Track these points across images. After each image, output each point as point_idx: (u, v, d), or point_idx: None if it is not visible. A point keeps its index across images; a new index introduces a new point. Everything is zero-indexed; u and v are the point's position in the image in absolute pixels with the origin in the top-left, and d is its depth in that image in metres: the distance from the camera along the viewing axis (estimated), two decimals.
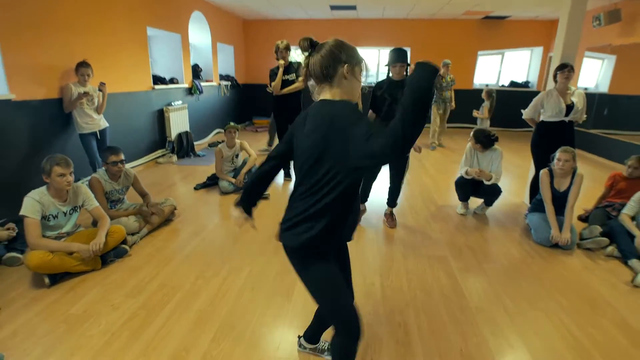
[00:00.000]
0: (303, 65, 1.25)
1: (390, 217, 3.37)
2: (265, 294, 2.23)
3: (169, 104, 5.51)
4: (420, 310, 2.15)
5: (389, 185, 3.33)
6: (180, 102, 5.75)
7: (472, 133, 3.52)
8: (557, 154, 3.10)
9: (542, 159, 3.58)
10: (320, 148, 1.13)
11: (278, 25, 8.80)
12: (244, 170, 4.04)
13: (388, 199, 3.36)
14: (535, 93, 8.74)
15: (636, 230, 2.85)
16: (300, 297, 2.20)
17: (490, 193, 3.49)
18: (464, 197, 3.67)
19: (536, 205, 3.28)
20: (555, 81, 3.43)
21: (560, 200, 3.10)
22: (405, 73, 3.01)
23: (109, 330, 1.88)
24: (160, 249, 2.77)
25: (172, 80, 5.74)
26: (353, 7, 7.17)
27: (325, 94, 1.21)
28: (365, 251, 2.85)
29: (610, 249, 2.88)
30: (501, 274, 2.57)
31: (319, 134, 1.14)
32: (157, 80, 5.42)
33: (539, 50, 8.47)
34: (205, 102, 6.86)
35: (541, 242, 3.04)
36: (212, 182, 4.24)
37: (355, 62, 1.21)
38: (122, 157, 2.79)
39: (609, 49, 6.46)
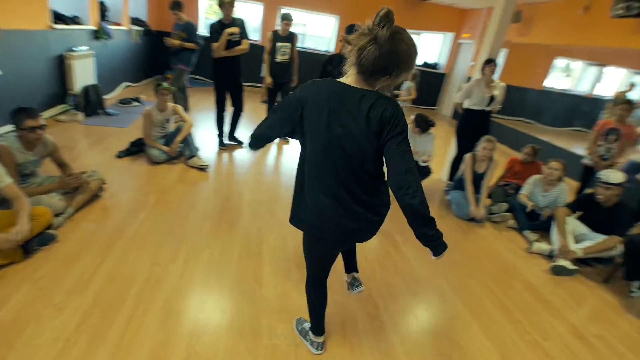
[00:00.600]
0: (362, 38, 1.16)
1: None
2: (233, 280, 2.18)
3: (71, 49, 4.55)
4: (381, 283, 2.38)
5: None
6: (85, 47, 4.79)
7: (413, 117, 3.80)
8: (482, 142, 3.57)
9: (464, 142, 4.10)
10: (370, 143, 1.19)
11: None
12: (179, 138, 3.67)
13: None
14: (441, 75, 9.92)
15: (529, 203, 3.53)
16: (270, 280, 2.21)
17: (422, 173, 3.88)
18: None
19: (458, 183, 3.78)
20: (483, 73, 3.86)
21: (477, 181, 3.63)
22: None
23: (60, 337, 1.61)
24: (94, 232, 2.41)
25: (74, 20, 4.71)
26: None
27: (358, 80, 1.21)
28: None
29: (511, 222, 3.54)
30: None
31: (372, 127, 1.17)
32: (57, 17, 4.40)
33: (450, 36, 9.26)
34: (114, 49, 5.84)
35: (461, 216, 3.55)
36: (137, 149, 3.76)
37: (403, 72, 1.19)
38: (41, 121, 2.28)
39: (507, 44, 7.44)
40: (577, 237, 3.06)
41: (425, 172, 3.88)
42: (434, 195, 4.10)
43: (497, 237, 3.32)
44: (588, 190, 3.29)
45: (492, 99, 3.84)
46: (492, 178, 3.65)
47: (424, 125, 3.75)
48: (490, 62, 3.77)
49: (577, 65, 9.76)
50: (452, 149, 4.43)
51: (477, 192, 3.59)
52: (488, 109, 3.92)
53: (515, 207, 3.58)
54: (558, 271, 2.83)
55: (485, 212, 3.52)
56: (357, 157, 1.23)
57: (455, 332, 2.06)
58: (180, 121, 3.82)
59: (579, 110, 8.98)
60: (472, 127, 4.00)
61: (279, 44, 4.51)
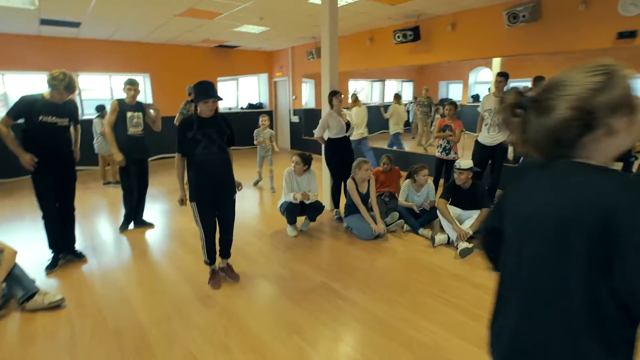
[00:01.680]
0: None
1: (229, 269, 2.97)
2: None
3: None
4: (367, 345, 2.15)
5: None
6: None
7: (295, 157, 3.73)
8: (360, 165, 3.79)
9: (336, 170, 4.31)
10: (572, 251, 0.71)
11: None
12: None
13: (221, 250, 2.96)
14: (268, 112, 10.44)
15: (412, 204, 3.98)
16: None
17: (314, 210, 3.84)
18: (293, 220, 3.85)
19: (348, 209, 3.92)
20: (332, 105, 4.16)
21: (364, 201, 3.86)
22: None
23: None
24: None
25: None
26: (75, 25, 5.71)
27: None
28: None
29: (405, 226, 3.90)
30: (372, 279, 2.94)
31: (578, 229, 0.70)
32: None
33: (264, 76, 9.84)
34: None
35: (365, 237, 3.68)
36: None
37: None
38: None
39: (314, 76, 8.43)
40: (456, 218, 3.62)
41: (319, 207, 3.86)
42: (328, 225, 4.13)
43: (404, 245, 3.57)
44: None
45: (348, 125, 4.19)
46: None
47: (308, 162, 3.75)
48: (336, 93, 4.11)
49: (363, 84, 12.06)
50: (324, 179, 4.59)
51: (368, 210, 3.81)
52: (347, 134, 4.25)
53: (401, 213, 3.96)
54: (465, 253, 3.25)
55: (384, 226, 3.76)
56: None
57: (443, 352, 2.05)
58: None
59: (379, 117, 10.98)
60: (339, 154, 4.25)
61: (129, 114, 3.77)
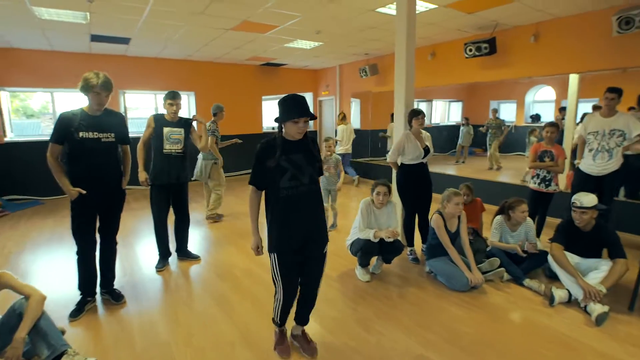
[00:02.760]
0: None
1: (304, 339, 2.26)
2: None
3: None
4: None
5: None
6: None
7: (380, 187, 3.12)
8: (451, 197, 3.12)
9: (409, 201, 3.65)
10: None
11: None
12: (22, 333, 1.97)
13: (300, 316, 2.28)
14: (313, 133, 10.01)
15: (512, 246, 3.23)
16: None
17: (394, 250, 3.18)
18: (368, 262, 3.21)
19: (433, 250, 3.22)
20: (410, 126, 3.56)
21: (453, 241, 3.16)
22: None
23: None
24: None
25: None
26: (125, 41, 5.53)
27: None
28: None
29: (505, 275, 3.14)
30: (487, 353, 2.21)
31: None
32: None
33: (309, 95, 9.46)
34: None
35: (458, 288, 2.96)
36: None
37: None
38: None
39: (369, 94, 7.91)
40: None
41: (400, 247, 3.19)
42: (403, 268, 3.45)
43: (511, 302, 2.82)
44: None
45: (427, 150, 3.55)
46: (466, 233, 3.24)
47: (389, 191, 3.14)
48: (418, 114, 3.51)
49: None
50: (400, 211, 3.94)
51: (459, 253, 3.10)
52: (424, 160, 3.61)
53: (501, 259, 3.21)
54: (602, 319, 2.47)
55: (481, 274, 3.03)
56: None
57: None
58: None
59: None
60: (414, 182, 3.61)
61: (166, 129, 3.35)
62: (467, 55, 5.25)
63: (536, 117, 11.30)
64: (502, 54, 5.09)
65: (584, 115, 6.43)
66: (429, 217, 3.45)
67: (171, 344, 2.29)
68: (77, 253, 2.64)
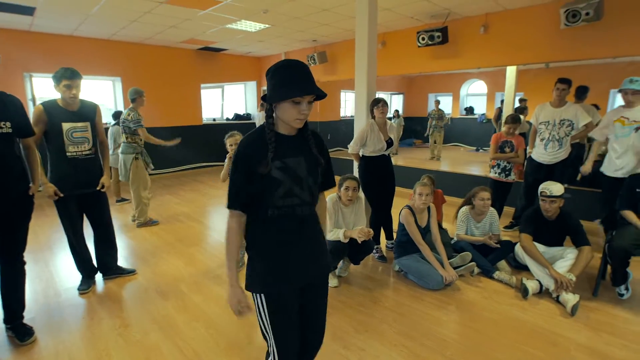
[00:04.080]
0: None
1: None
2: None
3: None
4: None
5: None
6: None
7: (348, 181, 2.80)
8: (418, 188, 2.96)
9: (373, 196, 3.43)
10: None
11: None
12: None
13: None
14: (254, 125, 9.41)
15: (482, 239, 3.16)
16: None
17: (365, 251, 2.91)
18: (336, 265, 2.92)
19: (402, 248, 3.03)
20: (373, 116, 3.31)
21: (424, 236, 2.99)
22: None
23: None
24: None
25: None
26: (28, 10, 4.51)
27: None
28: None
29: (476, 269, 3.05)
30: (455, 352, 2.04)
31: None
32: None
33: (252, 84, 8.87)
34: None
35: (432, 287, 2.80)
36: None
37: None
38: None
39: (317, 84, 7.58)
40: None
41: (371, 247, 2.93)
42: (370, 268, 3.22)
43: (486, 297, 2.71)
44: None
45: (389, 143, 3.33)
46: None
47: (359, 186, 2.86)
48: (378, 102, 3.26)
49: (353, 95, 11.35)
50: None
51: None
52: (387, 153, 3.39)
53: (471, 253, 3.10)
54: (576, 309, 2.45)
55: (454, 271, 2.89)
56: None
57: None
58: None
59: None
60: (377, 176, 3.38)
61: (67, 126, 2.55)
62: (419, 44, 5.16)
63: (470, 110, 11.96)
64: (453, 44, 5.07)
65: (517, 107, 6.85)
66: (397, 211, 3.25)
67: None
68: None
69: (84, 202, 2.71)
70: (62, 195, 2.52)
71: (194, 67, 7.56)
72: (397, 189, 3.58)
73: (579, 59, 4.23)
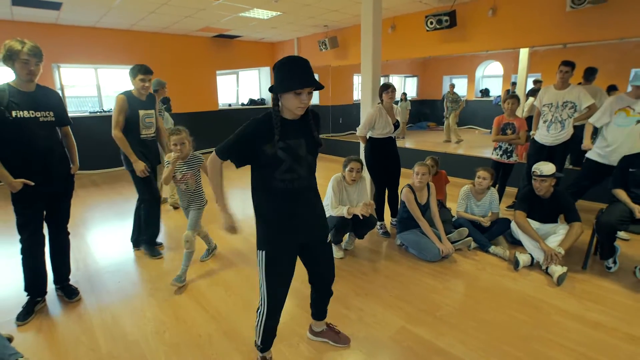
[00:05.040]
0: None
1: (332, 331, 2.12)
2: None
3: None
4: None
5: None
6: None
7: (353, 163, 3.03)
8: (416, 168, 3.17)
9: (379, 175, 3.65)
10: None
11: None
12: None
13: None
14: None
15: (477, 217, 3.37)
16: None
17: (367, 225, 3.16)
18: (341, 239, 3.17)
19: (404, 223, 3.27)
20: (381, 100, 3.49)
21: (423, 213, 3.21)
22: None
23: None
24: None
25: None
26: (55, 5, 4.83)
27: None
28: None
29: (472, 243, 3.26)
30: (464, 320, 2.29)
31: None
32: None
33: (266, 70, 9.07)
34: None
35: (430, 259, 3.04)
36: None
37: None
38: None
39: (329, 69, 7.73)
40: None
41: (373, 222, 3.19)
42: (374, 242, 3.47)
43: (480, 269, 2.94)
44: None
45: (397, 125, 3.52)
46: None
47: (362, 167, 3.08)
48: (387, 87, 3.44)
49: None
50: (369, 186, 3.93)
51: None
52: (394, 135, 3.59)
53: (468, 228, 3.31)
54: (562, 279, 2.65)
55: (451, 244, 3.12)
56: None
57: None
58: None
59: None
60: (383, 157, 3.59)
61: (142, 113, 3.03)
62: (428, 28, 5.24)
63: (485, 92, 11.82)
64: (461, 28, 5.14)
65: (531, 90, 6.82)
66: (399, 190, 3.47)
67: (140, 342, 2.11)
68: (23, 252, 2.32)
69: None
70: (149, 171, 3.02)
71: (209, 54, 7.81)
72: (408, 170, 3.78)
73: (585, 41, 4.26)
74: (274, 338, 1.78)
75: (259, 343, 1.75)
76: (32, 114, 2.20)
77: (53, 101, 2.36)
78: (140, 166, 2.94)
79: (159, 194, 3.31)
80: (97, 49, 6.39)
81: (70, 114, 2.53)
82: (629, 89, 3.22)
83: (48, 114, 2.30)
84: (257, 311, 1.69)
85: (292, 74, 1.42)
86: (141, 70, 2.93)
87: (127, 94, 2.97)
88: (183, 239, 2.70)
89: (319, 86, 1.46)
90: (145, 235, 3.26)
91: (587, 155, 3.39)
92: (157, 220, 3.27)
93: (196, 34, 7.29)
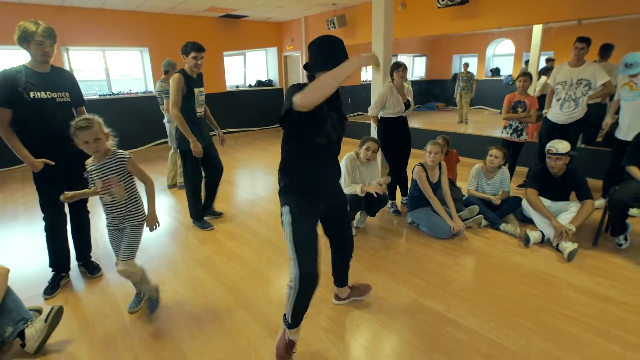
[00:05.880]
0: None
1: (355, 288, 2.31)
2: None
3: None
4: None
5: None
6: None
7: (369, 143, 3.04)
8: (428, 147, 3.17)
9: (391, 154, 3.66)
10: None
11: None
12: None
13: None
14: (279, 90, 9.53)
15: (488, 196, 3.39)
16: None
17: (379, 203, 3.20)
18: (353, 217, 3.23)
19: (415, 201, 3.30)
20: (392, 79, 3.47)
21: (435, 191, 3.23)
22: None
23: None
24: None
25: None
26: None
27: None
28: None
29: (483, 221, 3.29)
30: (475, 294, 2.34)
31: None
32: None
33: (273, 50, 8.97)
34: None
35: (441, 236, 3.08)
36: None
37: None
38: None
39: None
40: None
41: (384, 200, 3.22)
42: (386, 220, 3.52)
43: (491, 246, 2.97)
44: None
45: (407, 104, 3.50)
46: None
47: (379, 147, 3.10)
48: (398, 66, 3.40)
49: None
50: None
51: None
52: (405, 114, 3.57)
53: (479, 206, 3.34)
54: (573, 255, 2.68)
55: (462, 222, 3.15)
56: None
57: None
58: None
59: None
60: (394, 136, 3.59)
61: (197, 91, 3.10)
62: (439, 5, 5.12)
63: (496, 71, 11.59)
64: (473, 4, 5.01)
65: (543, 68, 6.67)
66: (410, 169, 3.48)
67: (161, 313, 2.21)
68: (46, 229, 2.41)
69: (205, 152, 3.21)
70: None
71: (216, 35, 7.73)
72: (417, 151, 3.78)
73: (601, 16, 4.14)
74: (305, 311, 1.71)
75: (289, 319, 1.70)
76: (49, 94, 2.23)
77: (68, 82, 2.39)
78: (198, 147, 3.02)
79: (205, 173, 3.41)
80: (105, 31, 6.37)
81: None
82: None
83: (64, 94, 2.33)
84: (288, 284, 1.65)
85: (328, 53, 1.50)
86: (194, 48, 2.95)
87: (182, 72, 3.00)
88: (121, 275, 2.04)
89: None
90: (195, 209, 3.40)
91: (615, 134, 3.41)
92: (213, 192, 3.49)
93: (203, 14, 7.20)
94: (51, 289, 2.42)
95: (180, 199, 4.28)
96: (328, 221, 1.87)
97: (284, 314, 1.73)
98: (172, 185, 4.71)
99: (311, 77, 1.55)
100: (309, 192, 1.68)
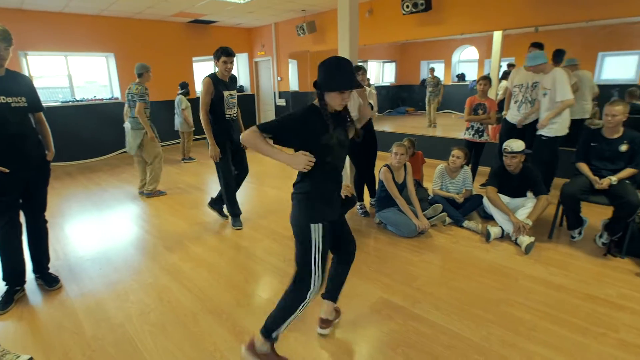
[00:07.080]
0: None
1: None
2: None
3: None
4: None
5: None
6: None
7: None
8: (394, 148, 3.26)
9: (357, 157, 3.73)
10: None
11: None
12: None
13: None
14: (251, 96, 9.50)
15: (451, 194, 3.51)
16: None
17: (348, 204, 3.22)
18: None
19: (382, 202, 3.37)
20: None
21: (401, 191, 3.32)
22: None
23: None
24: None
25: None
26: None
27: None
28: None
29: (447, 219, 3.41)
30: (438, 289, 2.42)
31: None
32: None
33: (244, 56, 8.95)
34: None
35: (407, 234, 3.16)
36: None
37: None
38: None
39: (307, 54, 7.70)
40: None
41: (353, 200, 3.26)
42: (354, 221, 3.57)
43: (454, 242, 3.08)
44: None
45: (370, 107, 3.58)
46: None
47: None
48: (359, 69, 3.48)
49: None
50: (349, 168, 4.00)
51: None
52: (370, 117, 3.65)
53: (442, 205, 3.45)
54: (530, 248, 2.82)
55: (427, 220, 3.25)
56: None
57: None
58: None
59: None
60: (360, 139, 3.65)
61: (227, 94, 3.21)
62: (404, 12, 5.30)
63: (461, 76, 12.05)
64: (437, 11, 5.21)
65: (504, 72, 7.01)
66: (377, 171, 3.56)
67: (125, 324, 2.14)
68: None
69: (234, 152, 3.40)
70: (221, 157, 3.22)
71: (185, 40, 7.64)
72: (384, 153, 3.86)
73: (555, 23, 4.41)
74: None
75: (277, 333, 1.71)
76: (4, 99, 2.15)
77: (24, 87, 2.30)
78: (215, 150, 3.17)
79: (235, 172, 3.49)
80: (67, 36, 6.16)
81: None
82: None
83: (20, 99, 2.25)
84: (288, 294, 1.69)
85: (338, 75, 1.55)
86: (224, 53, 3.06)
87: (212, 76, 3.12)
88: None
89: (360, 86, 1.59)
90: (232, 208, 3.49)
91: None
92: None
93: (171, 19, 7.10)
94: (4, 304, 2.30)
95: (148, 208, 4.18)
96: (337, 231, 1.90)
97: (271, 328, 1.70)
98: (142, 192, 4.59)
99: (320, 95, 1.59)
100: (328, 207, 1.70)
